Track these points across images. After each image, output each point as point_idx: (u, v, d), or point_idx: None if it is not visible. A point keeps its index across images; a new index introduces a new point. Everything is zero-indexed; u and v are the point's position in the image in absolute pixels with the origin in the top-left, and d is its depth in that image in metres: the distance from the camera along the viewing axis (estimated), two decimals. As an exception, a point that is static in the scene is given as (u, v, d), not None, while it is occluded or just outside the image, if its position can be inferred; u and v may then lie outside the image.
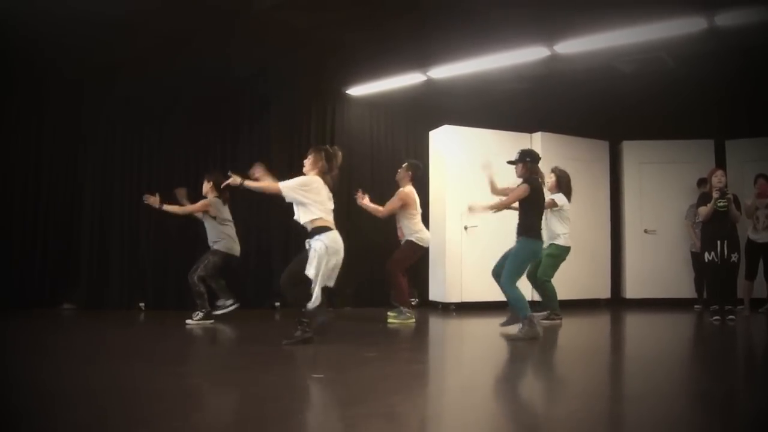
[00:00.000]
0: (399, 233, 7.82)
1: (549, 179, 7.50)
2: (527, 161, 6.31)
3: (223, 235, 7.36)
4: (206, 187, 7.46)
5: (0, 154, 7.93)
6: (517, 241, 6.26)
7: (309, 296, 5.32)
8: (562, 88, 8.97)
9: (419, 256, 7.92)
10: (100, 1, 6.39)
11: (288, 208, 8.66)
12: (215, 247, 7.35)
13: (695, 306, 8.94)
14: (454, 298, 8.80)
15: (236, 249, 7.48)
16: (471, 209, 6.61)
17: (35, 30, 7.04)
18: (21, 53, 7.72)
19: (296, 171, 9.19)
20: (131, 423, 2.92)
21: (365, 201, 7.73)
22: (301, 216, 5.63)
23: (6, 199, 7.92)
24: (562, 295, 7.68)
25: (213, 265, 7.30)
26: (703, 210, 7.30)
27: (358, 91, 9.54)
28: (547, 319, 7.25)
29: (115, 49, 7.63)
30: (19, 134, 8.03)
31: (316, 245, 5.43)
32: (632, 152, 10.22)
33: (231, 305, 7.38)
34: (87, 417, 2.98)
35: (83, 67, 8.06)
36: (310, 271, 5.35)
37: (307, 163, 5.83)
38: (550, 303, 7.40)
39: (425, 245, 7.77)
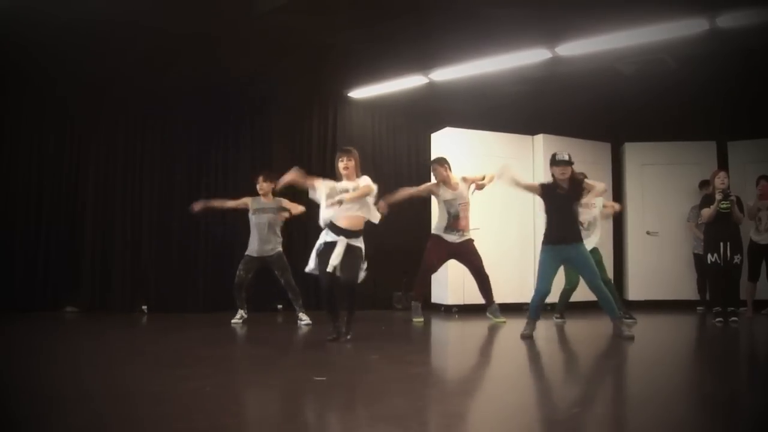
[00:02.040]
0: (464, 222, 7.61)
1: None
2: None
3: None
4: (268, 187, 7.34)
5: (2, 157, 7.95)
6: (579, 246, 6.17)
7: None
8: (564, 90, 8.96)
9: None
10: (101, 5, 6.40)
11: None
12: (280, 249, 7.38)
13: (698, 308, 8.93)
14: (457, 300, 8.79)
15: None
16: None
17: (37, 30, 7.07)
18: (22, 57, 7.74)
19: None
20: (132, 426, 2.92)
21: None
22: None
23: (8, 202, 7.93)
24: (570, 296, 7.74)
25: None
26: (706, 212, 7.29)
27: (359, 93, 9.55)
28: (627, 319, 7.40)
29: (117, 52, 7.65)
30: (21, 138, 8.05)
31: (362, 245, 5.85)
32: (634, 154, 10.21)
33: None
34: (88, 420, 2.98)
35: (84, 70, 8.08)
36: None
37: (352, 166, 5.97)
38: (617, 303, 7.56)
39: None
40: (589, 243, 7.10)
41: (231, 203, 7.45)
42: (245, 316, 7.31)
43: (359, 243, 5.80)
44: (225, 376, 4.27)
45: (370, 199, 5.88)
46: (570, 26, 6.98)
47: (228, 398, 3.60)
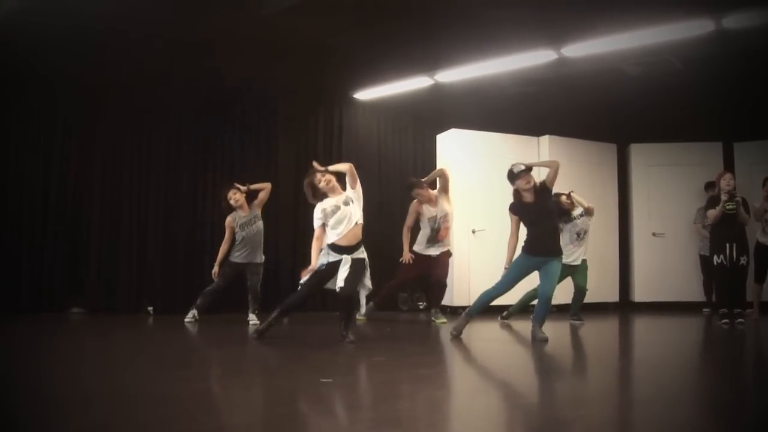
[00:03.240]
0: (444, 233, 7.85)
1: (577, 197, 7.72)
2: None
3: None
4: (241, 196, 7.43)
5: (9, 159, 7.97)
6: (556, 260, 6.07)
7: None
8: (569, 92, 8.96)
9: None
10: (110, 10, 6.43)
11: (294, 215, 8.75)
12: (262, 260, 7.57)
13: (704, 309, 8.91)
14: (462, 301, 8.77)
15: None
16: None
17: (45, 38, 7.11)
18: (29, 62, 7.78)
19: (303, 174, 9.24)
20: (137, 427, 2.93)
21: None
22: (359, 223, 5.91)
23: (15, 204, 7.95)
24: (570, 299, 7.76)
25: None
26: (712, 213, 7.27)
27: (365, 95, 9.56)
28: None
29: (123, 57, 7.68)
30: (28, 140, 8.07)
31: (365, 256, 5.89)
32: (640, 155, 10.19)
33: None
34: (92, 421, 2.98)
35: (91, 76, 8.09)
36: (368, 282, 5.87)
37: (332, 179, 5.99)
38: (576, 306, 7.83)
39: None
40: (580, 255, 7.60)
41: (225, 245, 7.49)
42: (197, 318, 7.37)
43: (362, 254, 5.84)
44: (231, 378, 4.28)
45: (358, 201, 5.91)
46: (575, 27, 6.98)
47: (234, 400, 3.61)
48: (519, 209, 6.16)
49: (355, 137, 9.74)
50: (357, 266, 5.72)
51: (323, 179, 5.89)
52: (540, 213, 6.06)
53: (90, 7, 6.35)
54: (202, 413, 3.18)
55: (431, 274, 7.93)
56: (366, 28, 7.19)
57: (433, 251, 7.83)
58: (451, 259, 8.29)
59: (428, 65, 8.32)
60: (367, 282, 5.85)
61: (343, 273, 5.64)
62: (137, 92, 8.49)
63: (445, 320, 7.71)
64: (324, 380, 4.10)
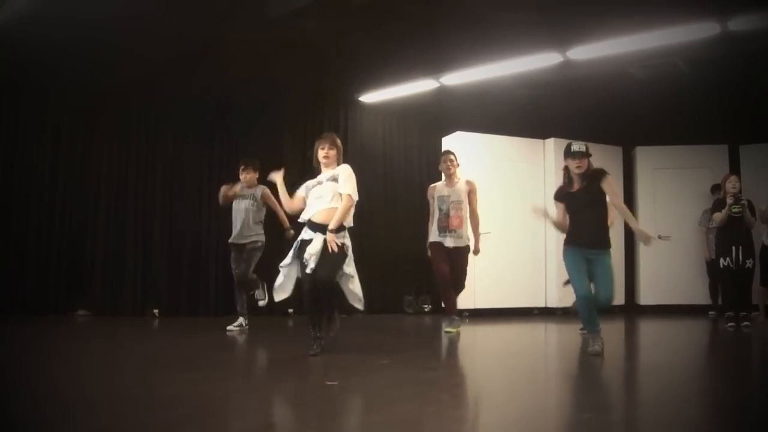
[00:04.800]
0: (456, 222, 7.10)
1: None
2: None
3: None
4: (252, 177, 7.05)
5: (16, 162, 8.01)
6: (606, 254, 5.41)
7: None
8: (575, 94, 8.96)
9: None
10: (115, 12, 6.45)
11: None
12: (259, 242, 7.06)
13: (710, 312, 8.89)
14: (468, 304, 8.77)
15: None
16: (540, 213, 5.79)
17: (46, 46, 7.14)
18: (38, 67, 7.80)
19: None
20: (143, 429, 2.93)
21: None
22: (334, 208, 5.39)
23: (21, 207, 7.99)
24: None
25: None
26: (718, 216, 7.25)
27: (371, 98, 9.56)
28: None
29: (130, 59, 7.69)
30: (35, 143, 8.11)
31: (348, 242, 5.36)
32: (646, 158, 10.19)
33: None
34: (99, 424, 2.99)
35: (98, 78, 8.12)
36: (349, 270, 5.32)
37: (333, 155, 5.54)
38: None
39: None
40: None
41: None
42: (245, 325, 6.98)
43: (341, 239, 5.30)
44: (236, 380, 4.28)
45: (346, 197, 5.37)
46: (581, 30, 6.99)
47: (239, 402, 3.61)
48: (563, 196, 5.60)
49: (360, 140, 9.75)
50: (333, 250, 5.18)
51: (326, 150, 5.49)
52: (584, 201, 5.45)
53: (93, 13, 6.38)
54: (208, 416, 3.18)
55: (451, 269, 7.11)
56: (371, 31, 7.20)
57: (448, 242, 7.04)
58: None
59: (433, 68, 8.33)
60: (348, 270, 5.32)
61: (312, 257, 5.14)
62: (141, 95, 8.53)
63: (452, 330, 7.06)
64: (329, 383, 4.10)
